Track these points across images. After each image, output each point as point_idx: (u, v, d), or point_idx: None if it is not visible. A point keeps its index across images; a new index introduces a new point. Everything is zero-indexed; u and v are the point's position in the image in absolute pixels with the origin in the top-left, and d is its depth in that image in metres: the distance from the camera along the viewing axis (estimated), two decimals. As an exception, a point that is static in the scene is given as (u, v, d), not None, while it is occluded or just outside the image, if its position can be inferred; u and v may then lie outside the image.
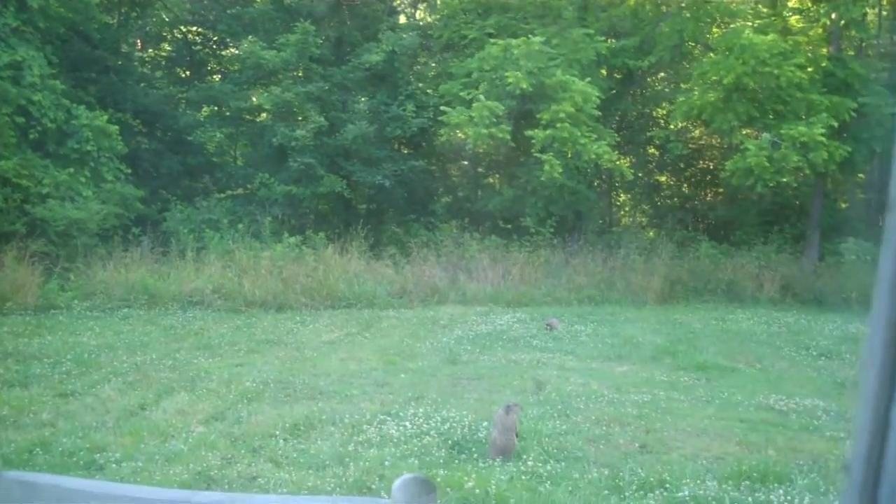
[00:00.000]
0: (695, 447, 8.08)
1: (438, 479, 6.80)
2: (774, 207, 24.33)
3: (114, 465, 7.21)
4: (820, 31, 22.98)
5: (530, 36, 20.59)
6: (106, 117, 19.51)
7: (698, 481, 6.94)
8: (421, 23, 27.52)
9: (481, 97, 20.11)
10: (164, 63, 27.59)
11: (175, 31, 27.18)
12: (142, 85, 24.59)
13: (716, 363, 12.35)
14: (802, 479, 7.05)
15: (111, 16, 24.52)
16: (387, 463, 7.31)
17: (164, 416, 8.81)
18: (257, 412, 8.96)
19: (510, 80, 19.85)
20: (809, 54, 21.46)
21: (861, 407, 0.72)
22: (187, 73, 27.30)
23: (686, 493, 6.64)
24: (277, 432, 8.18)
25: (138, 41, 27.33)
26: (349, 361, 12.00)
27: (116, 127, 19.73)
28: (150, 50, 27.77)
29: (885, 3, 24.31)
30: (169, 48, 27.72)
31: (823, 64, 21.43)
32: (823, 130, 18.97)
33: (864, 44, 24.95)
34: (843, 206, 26.01)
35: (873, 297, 0.71)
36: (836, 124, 19.66)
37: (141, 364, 11.37)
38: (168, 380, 10.48)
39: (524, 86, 19.83)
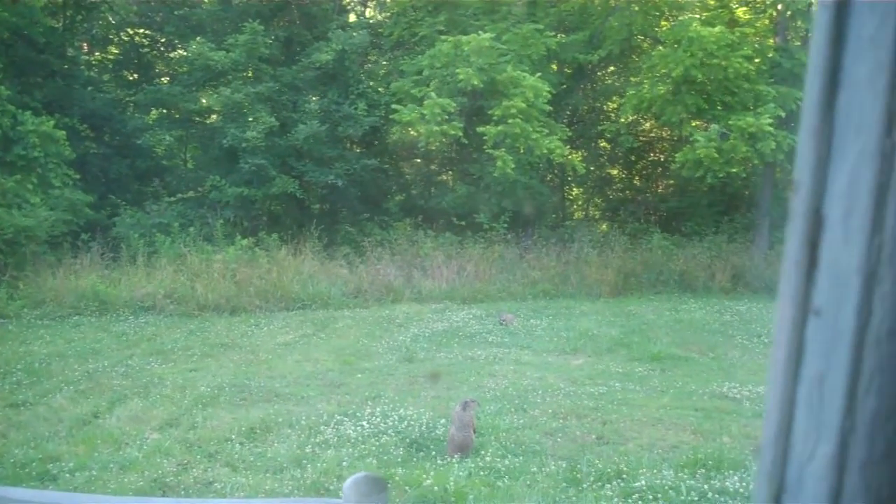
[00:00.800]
0: (650, 437, 8.15)
1: (397, 478, 6.80)
2: (724, 198, 24.61)
3: (67, 475, 7.13)
4: (766, 22, 23.25)
5: (480, 32, 20.61)
6: (53, 122, 19.21)
7: (655, 471, 7.01)
8: (371, 21, 27.41)
9: (433, 94, 20.10)
10: (111, 66, 27.24)
11: (122, 33, 26.84)
12: (89, 89, 24.22)
13: (670, 353, 12.49)
14: (756, 465, 7.13)
15: (56, 19, 24.15)
16: (344, 463, 7.30)
17: (117, 423, 8.72)
18: (212, 417, 8.89)
19: (461, 76, 19.86)
20: (756, 45, 21.70)
21: (770, 387, 0.73)
22: (135, 75, 26.97)
23: (643, 482, 6.70)
24: (233, 436, 8.14)
25: (84, 45, 26.93)
26: (305, 363, 11.96)
27: (63, 132, 19.43)
28: (97, 53, 27.39)
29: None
30: (116, 51, 27.36)
31: (770, 55, 21.69)
32: (771, 120, 19.21)
33: (809, 34, 25.23)
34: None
35: (780, 278, 0.71)
36: (783, 114, 19.91)
37: (93, 372, 11.23)
38: (121, 387, 10.37)
39: (475, 82, 19.85)
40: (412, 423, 8.44)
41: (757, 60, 20.84)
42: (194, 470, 7.29)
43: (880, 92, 0.64)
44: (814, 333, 0.69)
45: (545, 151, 20.28)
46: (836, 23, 0.67)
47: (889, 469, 0.65)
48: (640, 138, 26.72)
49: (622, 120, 25.25)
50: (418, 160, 26.86)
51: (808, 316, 0.69)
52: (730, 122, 19.60)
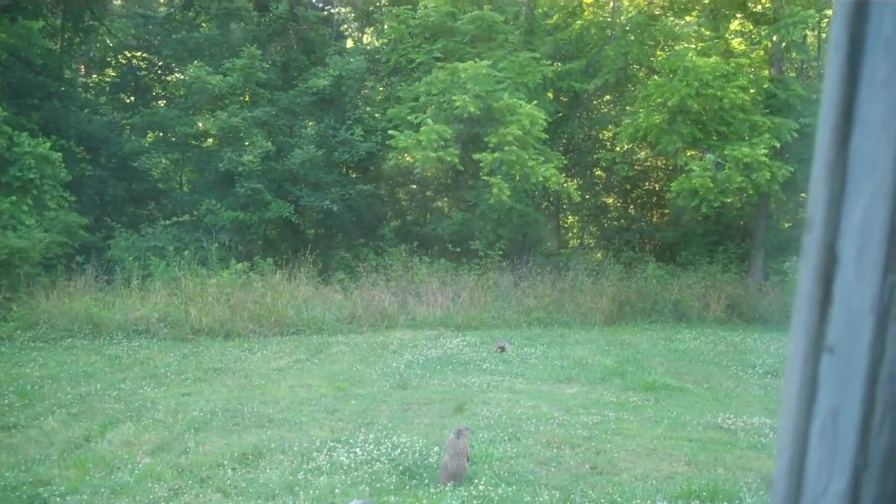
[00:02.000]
0: (644, 467, 8.12)
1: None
2: (719, 228, 24.67)
3: (58, 499, 7.09)
4: (762, 53, 23.45)
5: (477, 60, 20.71)
6: (49, 144, 19.18)
7: (648, 502, 6.98)
8: (368, 47, 27.58)
9: (429, 121, 20.15)
10: (108, 89, 27.27)
11: (119, 56, 26.90)
12: (86, 111, 24.24)
13: (664, 383, 12.46)
14: (751, 496, 7.11)
15: (54, 41, 24.22)
16: (337, 490, 7.26)
17: (109, 447, 8.67)
18: (205, 442, 8.85)
19: (458, 103, 19.93)
20: (752, 76, 21.86)
21: (783, 421, 0.73)
22: (132, 98, 27.01)
23: (636, 513, 6.67)
24: (226, 462, 8.09)
25: (82, 67, 27.01)
26: (298, 388, 11.91)
27: (60, 154, 19.40)
28: (94, 75, 27.45)
29: (823, 25, 24.88)
30: (113, 74, 27.41)
31: (765, 85, 21.85)
32: (766, 151, 19.30)
33: (804, 65, 25.53)
34: (787, 225, 26.44)
35: (793, 313, 0.72)
36: (778, 145, 20.01)
37: (85, 395, 11.17)
38: (113, 410, 10.31)
39: (472, 109, 19.91)
40: (405, 450, 8.41)
41: (752, 91, 20.98)
42: (186, 495, 7.24)
43: (894, 133, 0.64)
44: (827, 370, 0.69)
45: (541, 179, 20.32)
46: (850, 64, 0.68)
47: None
48: (636, 167, 26.85)
49: (618, 148, 25.37)
50: (414, 186, 26.91)
51: (821, 352, 0.69)
52: (725, 152, 19.69)
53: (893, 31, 0.65)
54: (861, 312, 0.67)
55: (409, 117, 21.43)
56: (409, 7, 24.23)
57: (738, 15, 24.18)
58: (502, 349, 14.95)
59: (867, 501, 0.66)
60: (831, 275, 0.69)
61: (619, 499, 7.03)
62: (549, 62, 22.94)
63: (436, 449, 8.34)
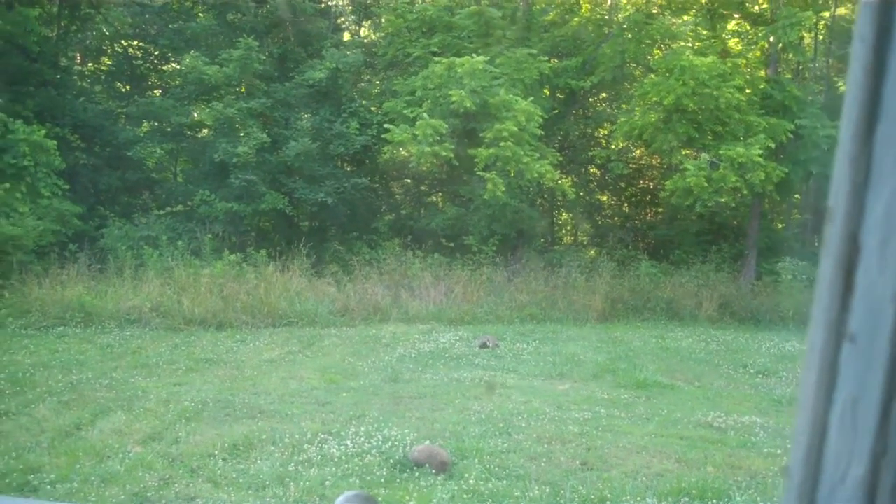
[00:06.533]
0: (635, 464, 8.15)
1: (380, 499, 6.77)
2: (713, 227, 24.72)
3: (48, 487, 7.08)
4: (758, 53, 23.49)
5: (474, 55, 20.70)
6: (44, 132, 19.13)
7: (638, 498, 7.00)
8: (365, 40, 27.53)
9: (425, 115, 20.13)
10: (103, 77, 27.17)
11: (115, 45, 26.80)
12: (81, 99, 24.14)
13: (655, 381, 12.48)
14: (741, 495, 7.14)
15: (50, 29, 24.11)
16: (327, 483, 7.26)
17: (100, 436, 8.66)
18: (196, 432, 8.84)
19: (454, 98, 19.92)
20: (748, 76, 21.89)
21: (800, 409, 0.74)
22: (127, 87, 26.93)
23: (627, 510, 6.69)
24: (216, 452, 8.09)
25: (78, 55, 26.89)
26: (290, 380, 11.91)
27: (54, 142, 19.36)
28: (90, 64, 27.33)
29: (821, 27, 24.96)
30: (109, 62, 27.31)
31: (761, 86, 21.87)
32: (761, 151, 19.33)
33: (800, 66, 25.61)
34: (780, 226, 26.56)
35: (813, 301, 0.73)
36: (773, 145, 20.05)
37: (77, 383, 11.16)
38: (105, 399, 10.30)
39: (468, 104, 19.90)
40: (396, 443, 8.41)
41: (748, 91, 20.99)
42: (176, 485, 7.24)
43: None
44: (848, 358, 0.70)
45: (536, 175, 20.32)
46: (875, 55, 0.69)
47: None
48: (631, 165, 26.85)
49: (613, 146, 25.41)
50: (409, 180, 26.92)
51: (842, 341, 0.70)
52: (720, 152, 19.72)
53: None
54: (883, 301, 0.67)
55: (405, 111, 21.41)
56: (407, 1, 24.22)
57: (736, 15, 24.21)
58: (484, 345, 14.97)
59: (885, 487, 0.67)
60: (853, 264, 0.70)
61: (609, 495, 7.05)
62: (546, 59, 22.93)
63: (427, 443, 8.35)
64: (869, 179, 0.69)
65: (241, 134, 21.89)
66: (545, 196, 26.18)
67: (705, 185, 19.56)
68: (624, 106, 24.83)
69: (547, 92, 24.45)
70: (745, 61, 22.58)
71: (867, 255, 0.69)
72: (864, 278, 0.69)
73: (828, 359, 0.71)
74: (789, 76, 24.13)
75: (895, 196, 0.67)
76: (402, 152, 21.50)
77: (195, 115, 24.10)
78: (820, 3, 22.77)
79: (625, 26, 23.74)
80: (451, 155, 20.38)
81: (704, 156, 20.21)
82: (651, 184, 27.88)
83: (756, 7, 23.71)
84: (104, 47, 27.04)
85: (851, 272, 0.69)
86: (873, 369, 0.67)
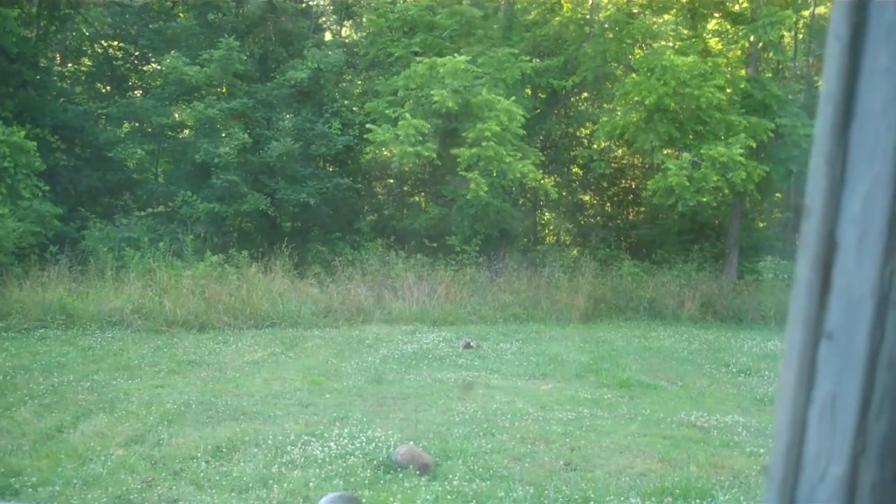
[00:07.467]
0: (618, 464, 8.16)
1: (364, 500, 6.75)
2: (695, 226, 24.80)
3: (30, 490, 7.03)
4: (738, 52, 23.61)
5: (456, 55, 20.70)
6: (23, 133, 18.98)
7: (622, 498, 7.01)
8: (347, 40, 27.49)
9: (407, 115, 20.13)
10: (83, 78, 27.04)
11: (95, 45, 26.67)
12: (61, 100, 24.02)
13: (638, 380, 12.51)
14: (724, 494, 7.17)
15: (29, 29, 23.96)
16: (311, 484, 7.24)
17: (82, 438, 8.60)
18: (178, 434, 8.80)
19: (436, 98, 19.91)
20: (728, 76, 22.00)
21: (780, 408, 0.74)
22: (108, 88, 26.79)
23: (610, 509, 6.70)
24: (199, 454, 8.05)
25: (57, 55, 26.73)
26: (273, 382, 11.87)
27: (34, 143, 19.19)
28: (70, 64, 27.19)
29: (801, 26, 25.10)
30: (89, 63, 27.18)
31: (742, 85, 21.99)
32: (742, 151, 19.43)
33: (781, 66, 25.75)
34: (761, 225, 26.67)
35: (791, 299, 0.73)
36: (754, 145, 20.16)
37: (58, 386, 11.08)
38: (86, 402, 10.24)
39: (450, 104, 19.90)
40: (380, 444, 8.40)
41: (729, 91, 21.12)
42: (159, 487, 7.21)
43: (895, 122, 0.65)
44: (826, 356, 0.70)
45: (518, 175, 20.35)
46: (850, 53, 0.69)
47: None
48: (613, 165, 26.96)
49: (595, 146, 25.50)
50: (391, 181, 26.89)
51: (820, 339, 0.70)
52: (701, 151, 19.81)
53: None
54: (861, 299, 0.67)
55: (387, 111, 21.39)
56: (389, 1, 24.20)
57: (716, 14, 24.33)
58: (467, 346, 14.98)
59: (865, 486, 0.67)
60: (831, 262, 0.70)
61: (592, 495, 7.05)
62: (528, 58, 22.98)
63: (410, 443, 8.34)
64: (845, 177, 0.69)
65: (223, 134, 21.82)
66: (528, 196, 26.22)
67: (687, 184, 19.64)
68: (605, 105, 24.92)
69: (529, 91, 24.49)
70: (725, 60, 22.70)
71: (844, 253, 0.69)
72: (841, 276, 0.69)
73: (806, 357, 0.71)
74: (770, 75, 24.25)
75: (871, 193, 0.67)
76: (385, 152, 21.45)
77: (176, 115, 24.01)
78: (800, 1, 22.91)
79: (606, 26, 23.81)
80: (434, 155, 20.39)
81: (686, 155, 20.28)
82: (633, 183, 27.97)
83: (736, 6, 23.82)
84: (84, 48, 26.93)
85: (829, 270, 0.70)
86: (851, 367, 0.67)
